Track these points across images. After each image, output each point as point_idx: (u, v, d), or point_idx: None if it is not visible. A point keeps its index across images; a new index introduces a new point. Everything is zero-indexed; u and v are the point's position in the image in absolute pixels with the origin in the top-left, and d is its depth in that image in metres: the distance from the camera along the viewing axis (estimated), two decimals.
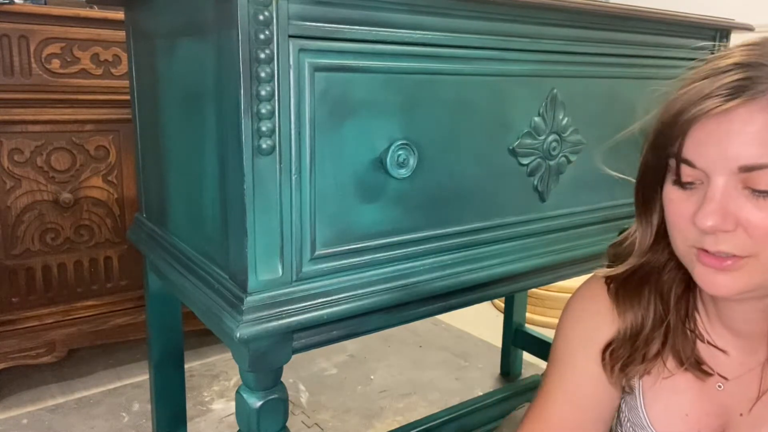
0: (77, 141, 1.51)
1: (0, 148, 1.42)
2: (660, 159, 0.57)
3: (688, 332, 0.64)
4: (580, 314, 0.72)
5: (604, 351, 0.67)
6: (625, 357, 0.65)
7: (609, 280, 0.68)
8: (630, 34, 0.97)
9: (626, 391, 0.68)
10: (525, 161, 0.89)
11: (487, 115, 0.83)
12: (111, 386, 1.66)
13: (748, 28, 1.10)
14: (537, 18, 0.85)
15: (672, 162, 0.56)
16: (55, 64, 1.43)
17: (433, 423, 1.32)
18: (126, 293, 1.64)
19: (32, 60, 1.40)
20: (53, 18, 1.41)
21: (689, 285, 0.65)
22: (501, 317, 1.83)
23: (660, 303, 0.65)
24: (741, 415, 0.61)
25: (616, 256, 0.69)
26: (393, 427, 1.32)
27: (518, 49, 0.84)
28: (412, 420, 1.43)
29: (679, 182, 0.55)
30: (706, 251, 0.53)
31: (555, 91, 0.90)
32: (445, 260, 0.83)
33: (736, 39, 1.13)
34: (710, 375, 0.62)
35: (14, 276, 1.49)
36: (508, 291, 0.94)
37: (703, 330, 0.64)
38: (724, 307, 0.61)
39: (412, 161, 0.74)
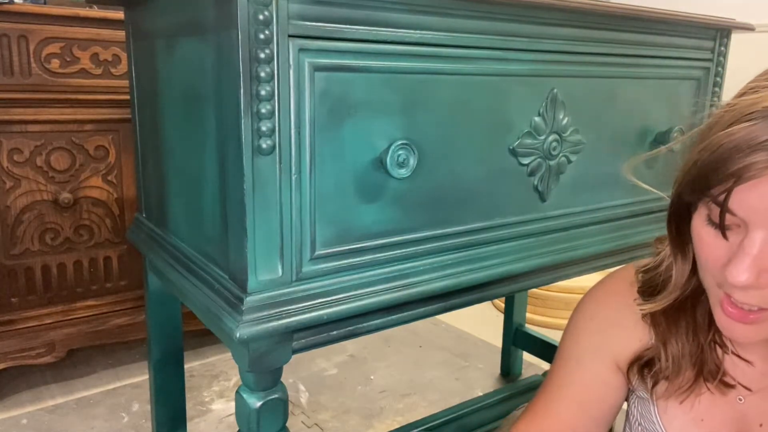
0: (77, 141, 1.51)
1: None
2: (696, 195, 0.52)
3: (715, 346, 0.63)
4: (593, 318, 0.71)
5: (631, 364, 0.66)
6: (665, 377, 0.63)
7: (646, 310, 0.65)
8: (630, 34, 0.97)
9: (638, 395, 0.68)
10: (525, 161, 0.89)
11: (487, 115, 0.83)
12: (110, 386, 1.66)
13: (749, 28, 1.10)
14: (537, 18, 0.84)
15: (709, 202, 0.51)
16: (55, 63, 1.43)
17: (434, 423, 1.32)
18: (125, 293, 1.64)
19: (32, 60, 1.40)
20: (53, 18, 1.41)
21: None
22: (501, 317, 1.83)
23: (695, 326, 0.63)
24: (761, 425, 0.60)
25: (649, 283, 0.66)
26: (393, 427, 1.32)
27: (518, 49, 0.84)
28: (412, 420, 1.43)
29: (713, 223, 0.51)
30: (731, 301, 0.51)
31: (555, 90, 0.89)
32: (445, 260, 0.83)
33: (737, 39, 1.13)
34: (733, 387, 0.61)
35: (14, 276, 1.49)
36: (508, 291, 0.94)
37: (727, 341, 0.63)
38: None
39: (412, 161, 0.74)
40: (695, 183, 0.51)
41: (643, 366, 0.65)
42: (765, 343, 0.60)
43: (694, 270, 0.59)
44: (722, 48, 1.11)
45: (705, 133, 0.52)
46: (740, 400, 0.61)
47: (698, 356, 0.62)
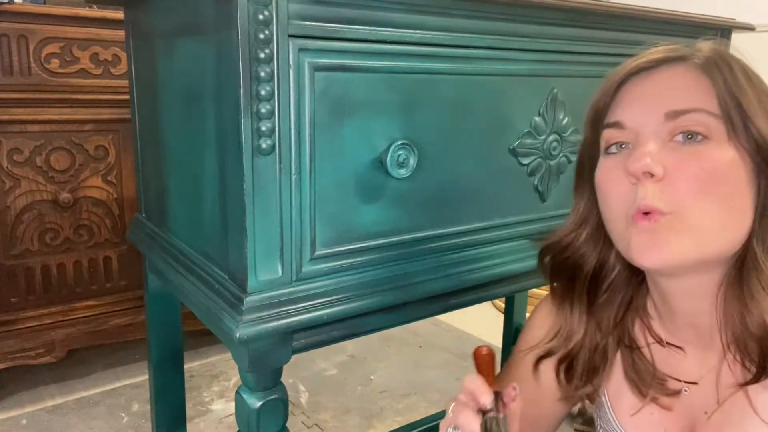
0: (76, 141, 1.51)
1: None
2: (594, 136, 0.60)
3: (637, 350, 0.65)
4: (532, 316, 0.76)
5: (558, 367, 0.68)
6: (579, 374, 0.66)
7: (546, 257, 0.69)
8: (631, 33, 0.97)
9: (598, 404, 0.70)
10: (525, 161, 0.89)
11: (487, 114, 0.83)
12: (110, 386, 1.66)
13: (749, 28, 1.10)
14: (537, 17, 0.84)
15: (604, 133, 0.58)
16: (55, 63, 1.43)
17: (434, 423, 1.32)
18: (125, 293, 1.64)
19: (31, 59, 1.40)
20: (52, 17, 1.41)
21: (636, 298, 0.66)
22: (501, 317, 1.83)
23: (594, 324, 0.65)
24: (705, 413, 0.61)
25: (548, 248, 0.70)
26: (393, 428, 1.32)
27: (518, 49, 0.84)
28: (412, 420, 1.43)
29: (610, 149, 0.58)
30: (640, 213, 0.53)
31: (555, 90, 0.89)
32: (445, 260, 0.83)
33: (737, 38, 1.13)
34: (678, 391, 0.63)
35: (13, 276, 1.49)
36: (508, 291, 0.94)
37: (659, 332, 0.65)
38: (670, 294, 0.60)
39: (412, 161, 0.74)
40: (594, 120, 0.60)
41: (566, 368, 0.67)
42: (689, 326, 0.61)
43: (595, 239, 0.64)
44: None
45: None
46: (686, 391, 0.63)
47: (603, 348, 0.65)
